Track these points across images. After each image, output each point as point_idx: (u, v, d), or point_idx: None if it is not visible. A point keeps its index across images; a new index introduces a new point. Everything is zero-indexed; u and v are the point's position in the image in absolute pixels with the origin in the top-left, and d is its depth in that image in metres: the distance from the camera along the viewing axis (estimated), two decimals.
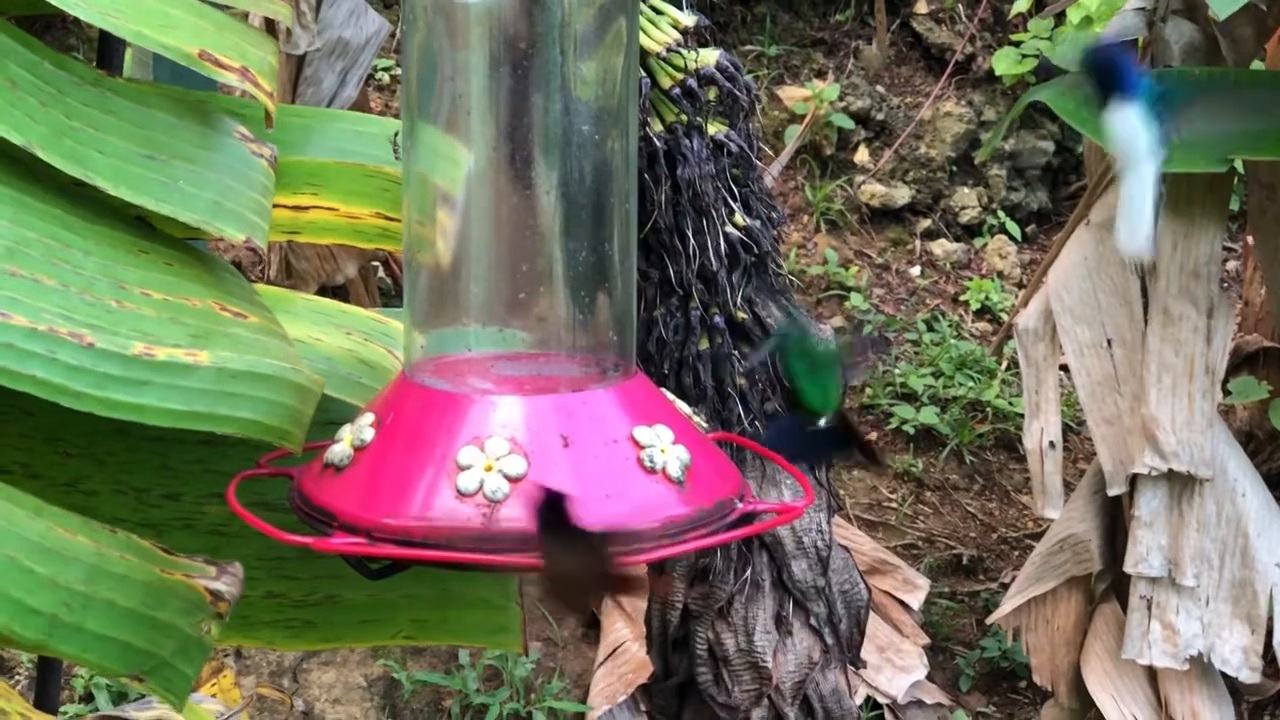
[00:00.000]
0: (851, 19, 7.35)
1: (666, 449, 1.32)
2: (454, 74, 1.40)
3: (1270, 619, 3.83)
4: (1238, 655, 3.84)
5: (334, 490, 1.34)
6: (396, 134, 1.70)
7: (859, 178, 6.92)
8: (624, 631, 4.58)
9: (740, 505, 1.36)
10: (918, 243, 6.91)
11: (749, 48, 7.16)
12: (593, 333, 1.43)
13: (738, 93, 3.17)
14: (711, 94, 3.15)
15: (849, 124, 6.91)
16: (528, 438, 1.30)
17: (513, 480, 1.27)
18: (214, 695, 2.67)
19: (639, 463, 1.31)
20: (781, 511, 1.43)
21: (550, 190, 1.38)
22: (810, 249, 6.69)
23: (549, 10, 1.36)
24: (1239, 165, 3.86)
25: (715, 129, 3.17)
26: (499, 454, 1.28)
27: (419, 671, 4.64)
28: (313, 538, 1.30)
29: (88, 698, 4.31)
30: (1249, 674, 3.86)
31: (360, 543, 1.29)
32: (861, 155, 6.98)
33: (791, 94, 6.96)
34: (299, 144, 1.74)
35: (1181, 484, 3.80)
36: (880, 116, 7.03)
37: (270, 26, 3.75)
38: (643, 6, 3.06)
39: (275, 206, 1.63)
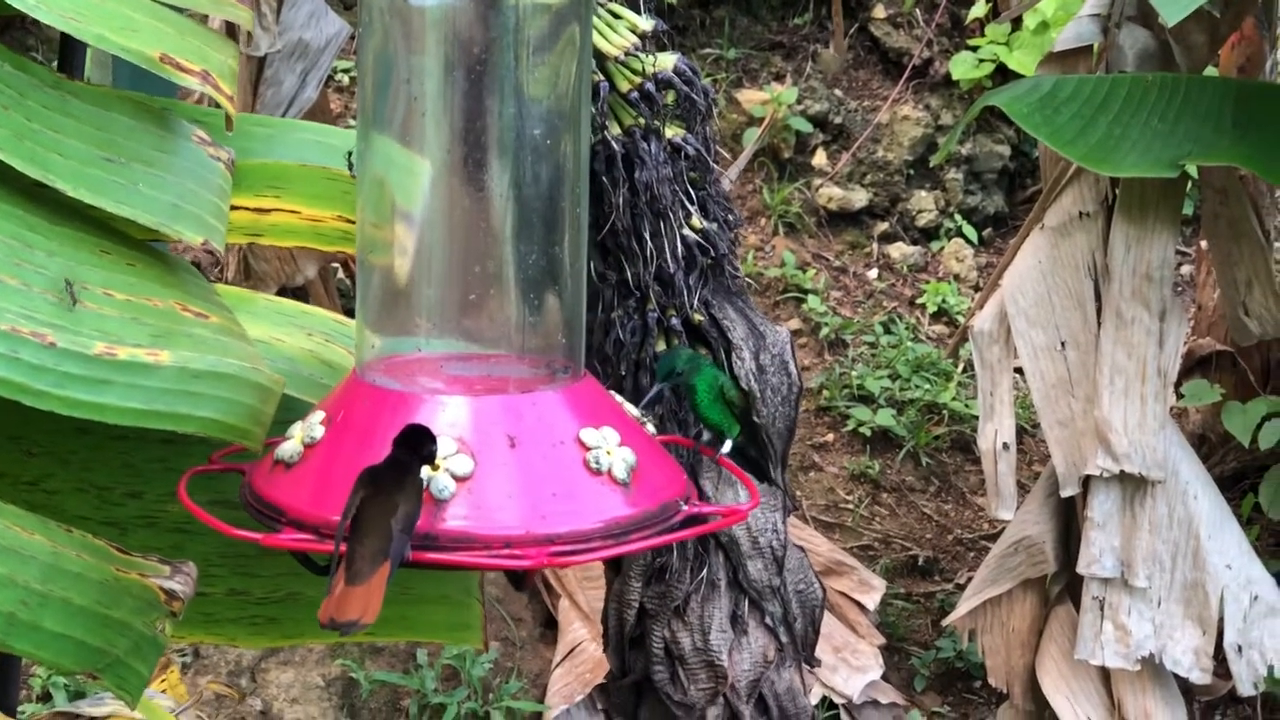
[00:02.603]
0: (810, 23, 7.37)
1: (613, 451, 1.34)
2: (409, 77, 1.42)
3: (1221, 620, 3.86)
4: (1189, 656, 3.87)
5: (284, 486, 1.35)
6: (351, 152, 1.71)
7: (817, 181, 6.94)
8: (581, 631, 4.59)
9: (685, 507, 1.38)
10: (875, 246, 6.94)
11: (708, 51, 7.18)
12: (542, 334, 1.45)
13: (695, 96, 3.19)
14: (669, 98, 3.16)
15: (807, 127, 6.93)
16: (475, 438, 1.32)
17: (460, 480, 1.29)
18: (163, 690, 2.68)
19: (585, 464, 1.33)
20: (727, 514, 1.45)
21: (502, 193, 1.40)
22: (768, 251, 6.71)
23: (503, 15, 1.37)
24: (1192, 170, 3.88)
25: (673, 132, 3.18)
26: (446, 453, 1.30)
27: (377, 671, 4.64)
28: (263, 534, 1.32)
29: (45, 697, 4.31)
30: (1200, 675, 3.88)
31: (309, 539, 1.30)
32: (819, 158, 7.00)
33: (750, 97, 6.98)
34: (261, 150, 1.75)
35: (1134, 486, 3.82)
36: (838, 120, 7.05)
37: (230, 29, 3.75)
38: (601, 10, 3.07)
39: (237, 208, 1.64)
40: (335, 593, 1.24)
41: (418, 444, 1.27)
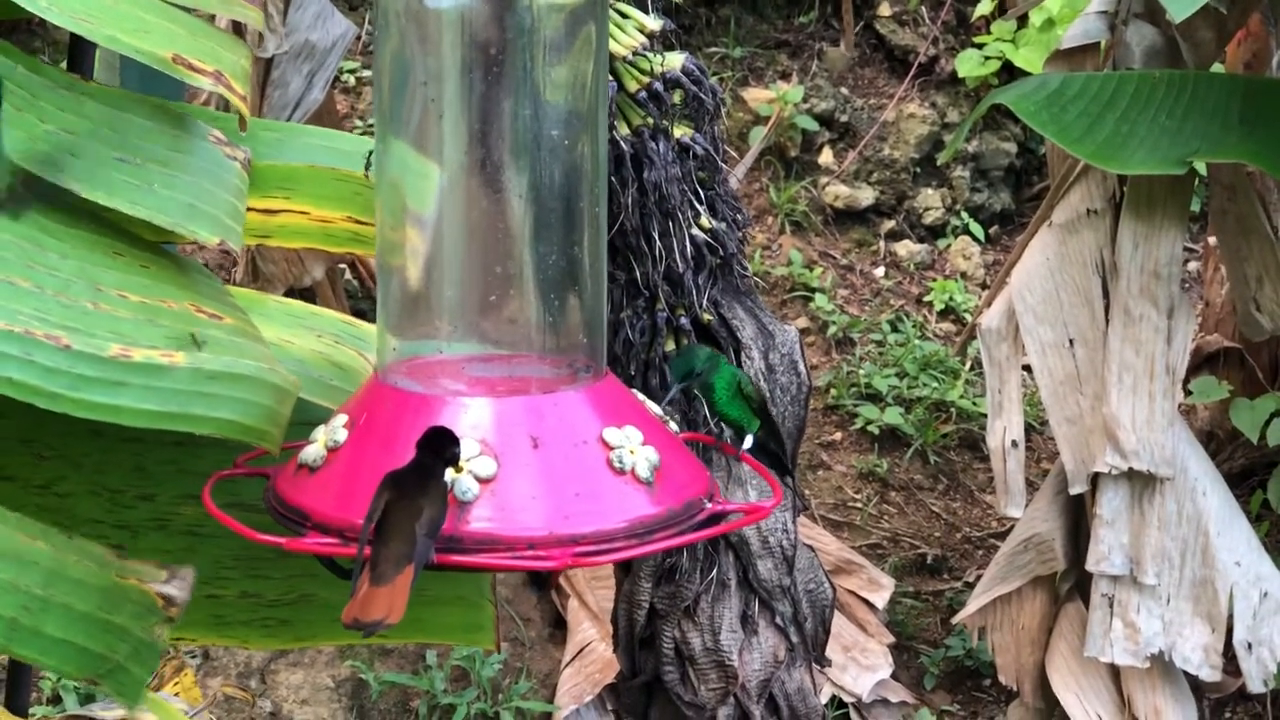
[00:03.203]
0: (815, 21, 7.37)
1: (635, 450, 1.33)
2: (426, 80, 1.41)
3: (1230, 617, 3.86)
4: (1198, 653, 3.87)
5: (308, 490, 1.35)
6: (370, 154, 1.70)
7: (823, 179, 6.93)
8: (591, 631, 4.59)
9: (709, 505, 1.38)
10: (882, 244, 6.93)
11: (714, 50, 7.18)
12: (563, 334, 1.44)
13: (703, 96, 3.19)
14: (677, 97, 3.17)
15: (813, 126, 6.93)
16: (498, 439, 1.32)
17: (483, 481, 1.29)
18: (176, 694, 2.68)
19: (608, 464, 1.33)
20: (749, 511, 1.44)
21: (521, 194, 1.40)
22: (775, 250, 6.70)
23: (519, 16, 1.37)
24: (1200, 167, 3.87)
25: (681, 132, 3.19)
26: (469, 455, 1.29)
27: (386, 672, 4.64)
28: (286, 538, 1.31)
29: (55, 699, 4.31)
30: (1209, 672, 3.88)
31: (333, 543, 1.30)
32: (826, 157, 6.99)
33: (756, 96, 6.98)
34: (270, 152, 1.74)
35: (1142, 483, 3.82)
36: (844, 118, 7.05)
37: (238, 29, 3.75)
38: (609, 10, 3.07)
39: (247, 209, 1.63)
40: (360, 594, 1.23)
41: (441, 446, 1.27)
